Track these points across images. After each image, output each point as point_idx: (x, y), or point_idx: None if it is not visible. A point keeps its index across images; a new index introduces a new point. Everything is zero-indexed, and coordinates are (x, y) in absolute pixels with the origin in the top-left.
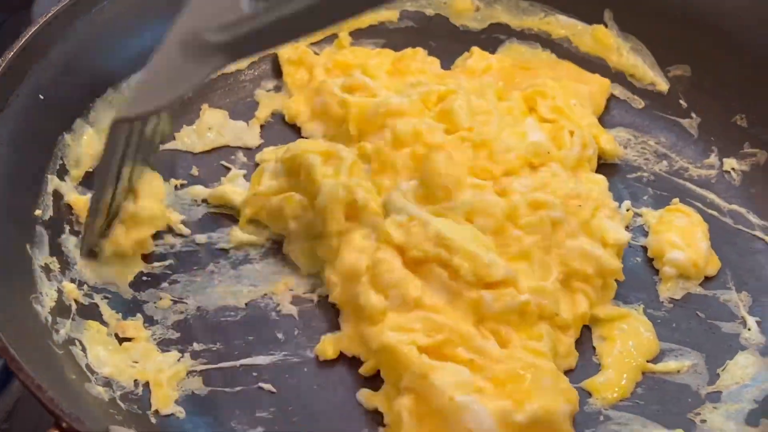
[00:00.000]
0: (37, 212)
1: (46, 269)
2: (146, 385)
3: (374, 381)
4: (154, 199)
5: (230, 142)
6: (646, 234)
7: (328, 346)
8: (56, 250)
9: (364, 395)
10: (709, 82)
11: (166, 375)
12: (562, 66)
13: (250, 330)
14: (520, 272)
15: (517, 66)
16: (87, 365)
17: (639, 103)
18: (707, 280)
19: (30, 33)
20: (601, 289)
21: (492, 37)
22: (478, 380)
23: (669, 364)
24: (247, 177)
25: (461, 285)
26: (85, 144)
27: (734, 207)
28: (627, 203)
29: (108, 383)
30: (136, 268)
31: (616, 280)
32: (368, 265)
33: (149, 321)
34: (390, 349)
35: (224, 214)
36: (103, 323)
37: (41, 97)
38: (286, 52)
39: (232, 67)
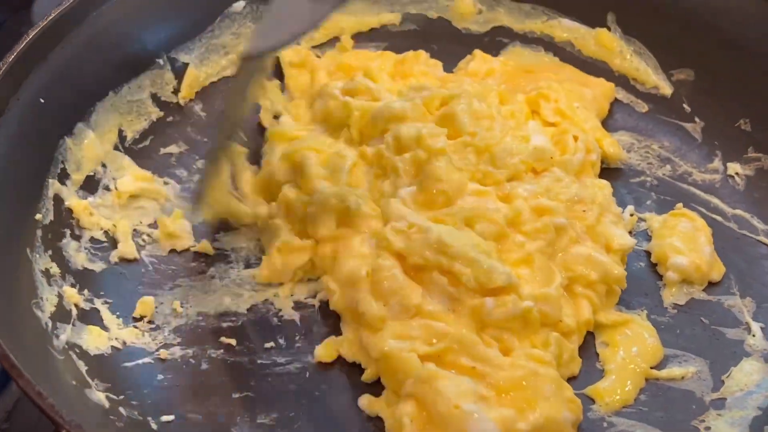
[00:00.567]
0: (38, 216)
1: (47, 274)
2: None
3: (376, 387)
4: None
5: None
6: (649, 239)
7: (327, 349)
8: (57, 254)
9: (366, 401)
10: (712, 86)
11: None
12: (565, 69)
13: (251, 335)
14: (523, 278)
15: (520, 69)
16: (87, 371)
17: (642, 107)
18: (711, 286)
19: (30, 37)
20: (605, 295)
21: (495, 41)
22: (480, 388)
23: (673, 371)
24: None
25: (462, 292)
26: (86, 148)
27: (738, 212)
28: (630, 208)
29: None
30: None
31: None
32: (368, 272)
33: (150, 324)
34: (391, 358)
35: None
36: (104, 328)
37: (42, 100)
38: (287, 54)
39: (233, 70)
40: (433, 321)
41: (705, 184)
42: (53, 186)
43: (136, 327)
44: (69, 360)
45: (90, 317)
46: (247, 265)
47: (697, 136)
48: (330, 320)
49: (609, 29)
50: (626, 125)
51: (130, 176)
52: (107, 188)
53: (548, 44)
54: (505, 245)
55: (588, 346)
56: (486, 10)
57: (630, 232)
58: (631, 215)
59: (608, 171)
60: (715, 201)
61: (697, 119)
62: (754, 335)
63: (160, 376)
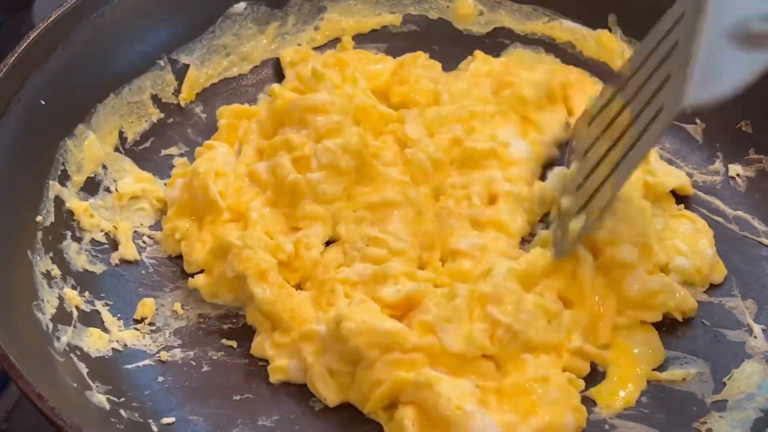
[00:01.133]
0: (38, 218)
1: (47, 276)
2: None
3: None
4: None
5: None
6: None
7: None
8: (57, 256)
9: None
10: None
11: None
12: (565, 70)
13: (253, 338)
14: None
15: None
16: (88, 373)
17: None
18: (712, 287)
19: (31, 38)
20: None
21: (496, 42)
22: (483, 392)
23: (674, 373)
24: None
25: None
26: (87, 149)
27: (739, 213)
28: None
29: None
30: None
31: None
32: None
33: (151, 326)
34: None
35: None
36: (105, 330)
37: (42, 102)
38: (288, 54)
39: (234, 71)
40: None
41: (706, 185)
42: (54, 188)
43: (136, 329)
44: (70, 362)
45: (91, 319)
46: None
47: (698, 138)
48: None
49: (610, 30)
50: None
51: (130, 178)
52: (108, 190)
53: (549, 45)
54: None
55: None
56: (487, 12)
57: None
58: None
59: None
60: (717, 202)
61: (698, 121)
62: (755, 337)
63: (161, 378)
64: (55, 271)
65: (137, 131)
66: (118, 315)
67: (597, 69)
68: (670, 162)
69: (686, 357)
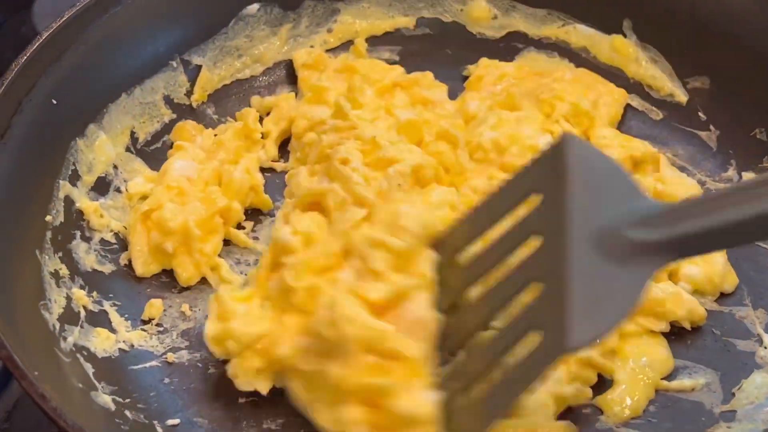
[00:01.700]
0: (48, 218)
1: (56, 275)
2: None
3: None
4: None
5: None
6: None
7: None
8: (66, 256)
9: None
10: (728, 95)
11: None
12: (579, 75)
13: None
14: None
15: (533, 73)
16: (94, 373)
17: (657, 114)
18: (723, 296)
19: (43, 38)
20: None
21: (510, 46)
22: None
23: (683, 382)
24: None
25: None
26: (98, 149)
27: None
28: None
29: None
30: None
31: None
32: None
33: (158, 327)
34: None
35: None
36: (112, 331)
37: (54, 102)
38: (301, 56)
39: (247, 73)
40: None
41: None
42: (64, 187)
43: (144, 330)
44: (76, 362)
45: (98, 319)
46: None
47: (713, 145)
48: None
49: (625, 36)
50: (641, 133)
51: (141, 178)
52: (118, 190)
53: (563, 50)
54: None
55: None
56: (501, 15)
57: None
58: None
59: None
60: None
61: (712, 127)
62: (765, 347)
63: (167, 380)
64: (64, 271)
65: (149, 132)
66: (126, 315)
67: (611, 74)
68: (682, 169)
69: (695, 366)
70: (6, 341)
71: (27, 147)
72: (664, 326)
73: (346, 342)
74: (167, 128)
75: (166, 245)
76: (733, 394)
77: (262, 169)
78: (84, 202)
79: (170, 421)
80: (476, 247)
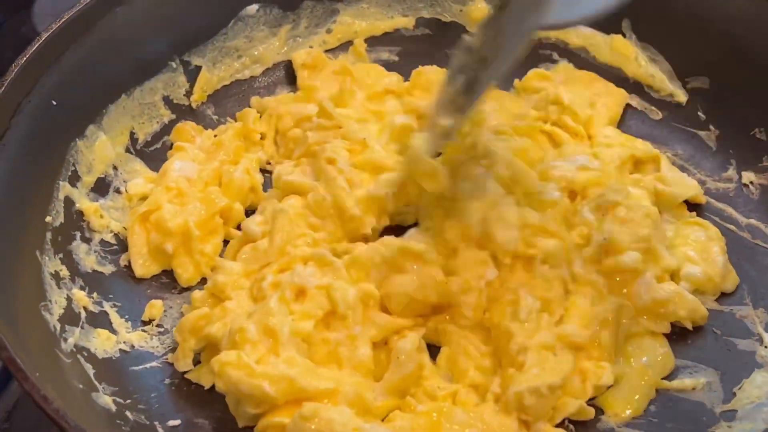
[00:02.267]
0: (48, 219)
1: (56, 276)
2: None
3: None
4: None
5: None
6: None
7: None
8: (67, 257)
9: None
10: (728, 95)
11: None
12: (578, 75)
13: None
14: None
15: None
16: (95, 374)
17: (657, 114)
18: (723, 296)
19: (43, 38)
20: None
21: None
22: None
23: (684, 382)
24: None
25: None
26: (98, 150)
27: (752, 221)
28: None
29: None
30: None
31: None
32: None
33: (159, 328)
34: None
35: None
36: (113, 332)
37: (54, 102)
38: (300, 56)
39: (246, 73)
40: None
41: (719, 192)
42: (64, 188)
43: (144, 330)
44: (76, 363)
45: (99, 320)
46: None
47: (712, 145)
48: None
49: (624, 36)
50: (640, 132)
51: (141, 179)
52: (118, 191)
53: (562, 50)
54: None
55: None
56: None
57: None
58: None
59: None
60: (729, 210)
61: (711, 127)
62: (766, 346)
63: (168, 380)
64: (64, 272)
65: (148, 132)
66: (126, 316)
67: (610, 74)
68: (682, 169)
69: (696, 366)
70: (7, 343)
71: (27, 148)
72: (665, 327)
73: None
74: (167, 129)
75: (166, 246)
76: (734, 394)
77: (262, 170)
78: (84, 202)
79: (171, 422)
80: None
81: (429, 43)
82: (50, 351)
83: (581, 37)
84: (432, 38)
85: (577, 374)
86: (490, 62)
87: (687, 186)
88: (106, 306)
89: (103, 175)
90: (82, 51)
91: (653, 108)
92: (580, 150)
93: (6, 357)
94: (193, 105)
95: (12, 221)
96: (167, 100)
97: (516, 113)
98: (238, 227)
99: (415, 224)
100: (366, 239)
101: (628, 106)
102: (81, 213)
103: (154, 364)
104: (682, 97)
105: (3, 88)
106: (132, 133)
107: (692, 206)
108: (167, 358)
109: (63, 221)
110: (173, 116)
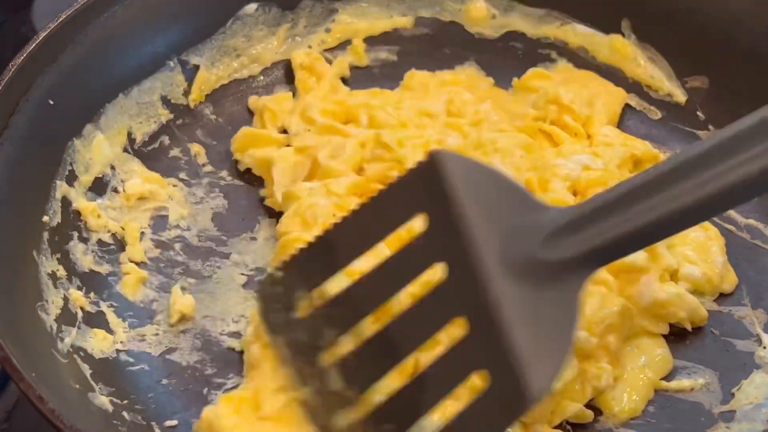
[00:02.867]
0: (45, 219)
1: (53, 276)
2: None
3: None
4: None
5: None
6: None
7: None
8: (64, 257)
9: None
10: (727, 94)
11: None
12: (577, 74)
13: None
14: None
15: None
16: (91, 374)
17: (656, 114)
18: (722, 296)
19: (40, 38)
20: None
21: (508, 46)
22: None
23: (682, 382)
24: None
25: None
26: (95, 150)
27: (751, 221)
28: None
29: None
30: None
31: None
32: None
33: (156, 328)
34: None
35: None
36: (110, 332)
37: (51, 102)
38: (299, 56)
39: (245, 73)
40: None
41: None
42: (61, 188)
43: (141, 331)
44: (73, 363)
45: (95, 320)
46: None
47: None
48: None
49: (623, 35)
50: (639, 132)
51: (138, 178)
52: (115, 190)
53: (562, 50)
54: None
55: None
56: (499, 15)
57: None
58: None
59: None
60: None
61: (711, 127)
62: (765, 347)
63: (165, 381)
64: (61, 272)
65: (146, 132)
66: (123, 316)
67: (609, 74)
68: None
69: (694, 366)
70: (4, 343)
71: (24, 147)
72: (664, 328)
73: None
74: (164, 128)
75: None
76: (733, 395)
77: None
78: (81, 202)
79: (168, 423)
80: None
81: (428, 42)
82: (47, 351)
83: (581, 36)
84: (431, 38)
85: (577, 376)
86: None
87: None
88: (103, 306)
89: (100, 175)
90: (78, 50)
91: (652, 108)
92: (579, 149)
93: (2, 357)
94: (191, 104)
95: (9, 221)
96: (165, 100)
97: (515, 112)
98: None
99: None
100: None
101: (627, 106)
102: (78, 213)
103: (151, 364)
104: (681, 96)
105: (0, 89)
106: (129, 133)
107: None
108: (164, 358)
109: (60, 221)
110: (171, 116)
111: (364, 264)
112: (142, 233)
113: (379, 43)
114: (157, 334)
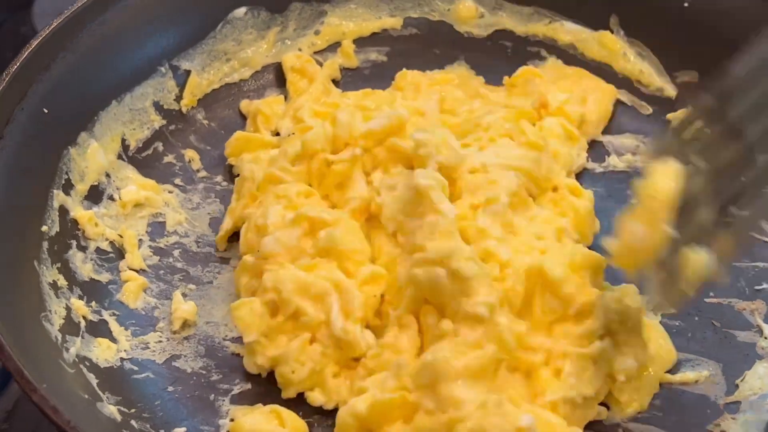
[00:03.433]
0: (44, 228)
1: (54, 286)
2: None
3: None
4: None
5: None
6: None
7: None
8: (63, 266)
9: None
10: None
11: None
12: (567, 71)
13: None
14: None
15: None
16: (98, 384)
17: (647, 109)
18: (721, 288)
19: (33, 45)
20: None
21: (497, 44)
22: None
23: (686, 375)
24: None
25: None
26: (90, 158)
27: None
28: None
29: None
30: None
31: None
32: None
33: (159, 335)
34: None
35: None
36: (113, 340)
37: (45, 111)
38: (289, 59)
39: (235, 77)
40: None
41: None
42: (58, 197)
43: (145, 338)
44: (80, 373)
45: (98, 329)
46: None
47: None
48: None
49: (612, 31)
50: (630, 127)
51: (134, 185)
52: (111, 198)
53: (551, 47)
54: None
55: None
56: (488, 14)
57: None
58: None
59: (613, 173)
60: None
61: None
62: (766, 338)
63: (171, 388)
64: (62, 281)
65: (139, 138)
66: (126, 325)
67: (599, 70)
68: None
69: (697, 359)
70: (14, 355)
71: (21, 157)
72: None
73: None
74: (158, 134)
75: None
76: (737, 386)
77: None
78: (78, 211)
79: (177, 430)
80: None
81: (417, 42)
82: (54, 362)
83: (569, 33)
84: (420, 38)
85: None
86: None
87: None
88: (105, 314)
89: (96, 183)
90: (70, 58)
91: (643, 103)
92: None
93: (14, 369)
94: (184, 110)
95: (9, 231)
96: (157, 106)
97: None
98: None
99: None
100: None
101: (618, 102)
102: (76, 221)
103: (156, 372)
104: (671, 91)
105: None
106: (123, 140)
107: None
108: (169, 366)
109: (58, 230)
110: (164, 122)
111: None
112: (140, 240)
113: (369, 44)
114: (160, 342)
